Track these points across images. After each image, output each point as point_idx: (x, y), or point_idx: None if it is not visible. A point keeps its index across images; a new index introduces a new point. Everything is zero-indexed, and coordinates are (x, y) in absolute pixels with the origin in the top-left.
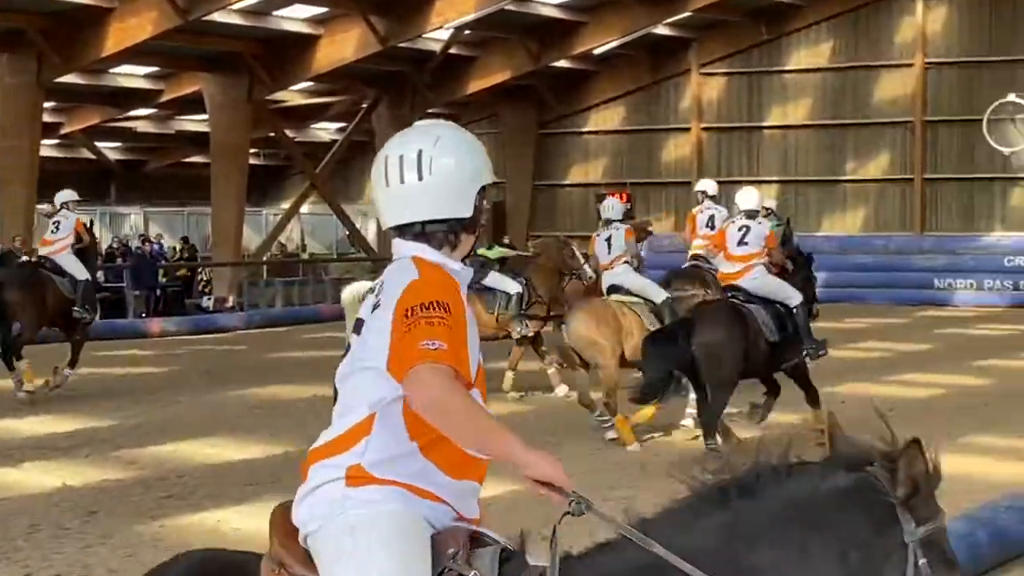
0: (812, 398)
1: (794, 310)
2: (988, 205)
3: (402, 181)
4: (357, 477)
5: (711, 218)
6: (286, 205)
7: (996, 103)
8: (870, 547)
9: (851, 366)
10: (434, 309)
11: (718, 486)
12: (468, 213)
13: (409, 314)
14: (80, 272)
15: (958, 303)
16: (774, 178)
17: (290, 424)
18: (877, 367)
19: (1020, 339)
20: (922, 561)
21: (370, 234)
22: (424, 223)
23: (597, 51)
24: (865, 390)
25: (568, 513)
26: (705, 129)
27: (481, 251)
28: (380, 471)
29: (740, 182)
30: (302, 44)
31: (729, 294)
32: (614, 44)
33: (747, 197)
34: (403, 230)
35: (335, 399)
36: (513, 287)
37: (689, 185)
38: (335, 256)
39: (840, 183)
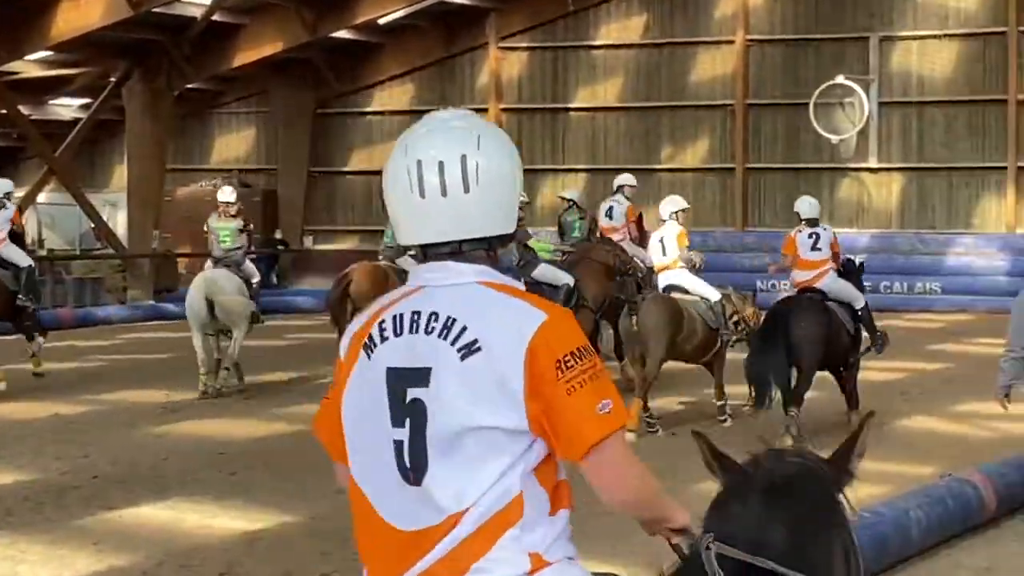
0: (854, 398)
1: (859, 311)
2: (815, 198)
3: (444, 193)
4: (535, 569)
5: (610, 208)
6: (20, 193)
7: (823, 85)
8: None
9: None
10: (587, 357)
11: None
12: (513, 227)
13: (563, 368)
14: (23, 259)
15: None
16: (581, 166)
17: (25, 449)
18: (690, 378)
19: None
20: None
21: (119, 227)
22: (463, 241)
23: (382, 21)
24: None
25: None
26: (504, 110)
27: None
28: (551, 552)
29: (544, 170)
30: (39, 7)
31: (808, 295)
32: (401, 13)
33: (809, 206)
34: (431, 248)
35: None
36: (565, 278)
37: None
38: (78, 252)
39: (654, 172)
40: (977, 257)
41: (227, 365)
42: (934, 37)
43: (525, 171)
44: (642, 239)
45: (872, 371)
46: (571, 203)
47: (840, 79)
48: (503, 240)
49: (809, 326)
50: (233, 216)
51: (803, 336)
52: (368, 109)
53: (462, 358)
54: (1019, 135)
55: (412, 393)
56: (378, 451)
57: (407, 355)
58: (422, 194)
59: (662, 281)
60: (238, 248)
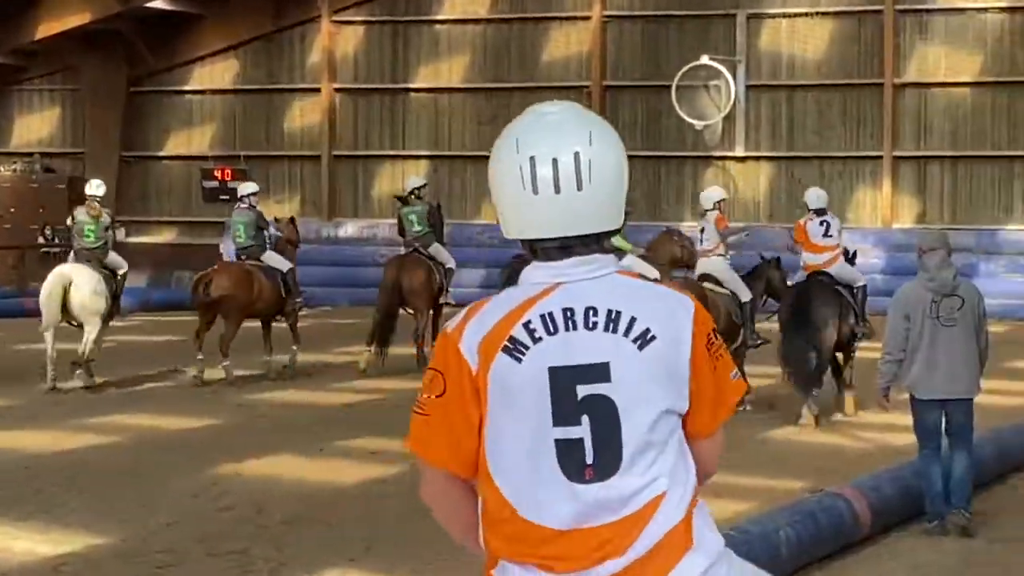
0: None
1: (855, 291)
2: (677, 188)
3: (558, 190)
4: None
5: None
6: None
7: (686, 67)
8: None
9: None
10: (719, 334)
11: None
12: (621, 222)
13: (711, 346)
14: None
15: None
16: (423, 152)
17: None
18: None
19: None
20: None
21: None
22: (578, 237)
23: None
24: None
25: None
26: (338, 90)
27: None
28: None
29: (382, 156)
30: None
31: (819, 279)
32: None
33: (816, 197)
34: (540, 243)
35: None
36: (652, 273)
37: (319, 159)
38: None
39: None
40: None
41: (80, 361)
42: (805, 15)
43: (360, 157)
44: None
45: None
46: (416, 193)
47: (705, 60)
48: (610, 235)
49: (827, 309)
50: (97, 213)
51: (823, 319)
52: (187, 88)
53: (640, 348)
54: (896, 122)
55: (587, 390)
56: (538, 457)
57: (571, 353)
58: (535, 190)
59: (700, 268)
60: (102, 244)
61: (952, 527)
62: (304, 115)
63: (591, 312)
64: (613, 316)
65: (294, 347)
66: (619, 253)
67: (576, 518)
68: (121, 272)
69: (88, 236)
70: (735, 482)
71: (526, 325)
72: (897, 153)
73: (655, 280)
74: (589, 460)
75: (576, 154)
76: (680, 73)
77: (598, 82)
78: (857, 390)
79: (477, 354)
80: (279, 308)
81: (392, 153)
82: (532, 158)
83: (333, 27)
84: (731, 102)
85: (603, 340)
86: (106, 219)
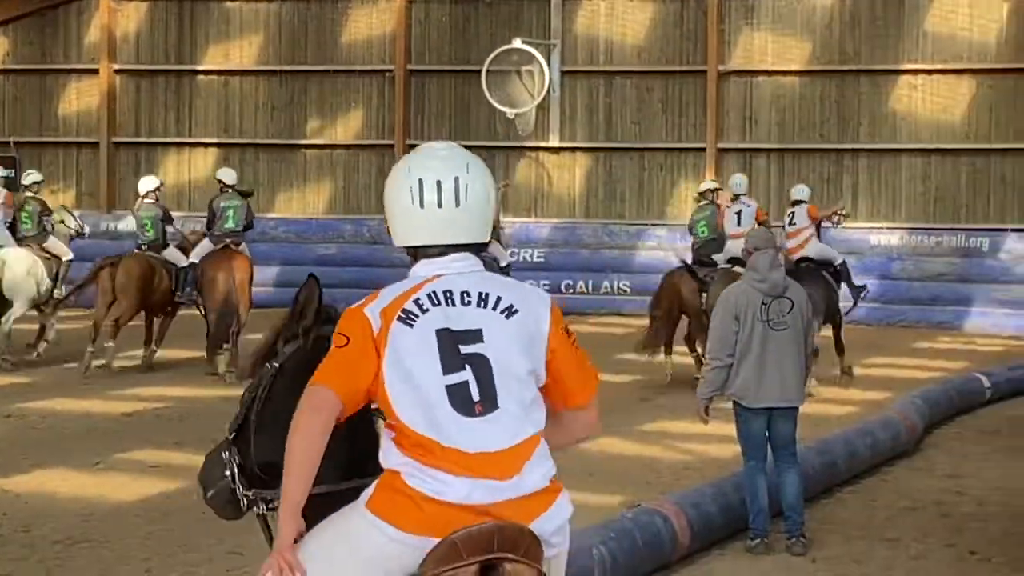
0: (841, 345)
1: (838, 267)
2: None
3: (440, 205)
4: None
5: (739, 214)
6: None
7: (498, 51)
8: None
9: None
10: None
11: None
12: (487, 239)
13: (567, 331)
14: None
15: None
16: (212, 140)
17: None
18: None
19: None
20: None
21: None
22: (454, 245)
23: None
24: None
25: None
26: (119, 71)
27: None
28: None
29: (166, 144)
30: None
31: (803, 264)
32: None
33: (799, 191)
34: (423, 249)
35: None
36: (505, 257)
37: (97, 146)
38: None
39: (299, 148)
40: (672, 252)
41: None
42: None
43: (142, 144)
44: None
45: None
46: (225, 186)
47: (517, 43)
48: (480, 248)
49: (816, 292)
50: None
51: (814, 302)
52: None
53: (506, 317)
54: (719, 113)
55: (467, 348)
56: (427, 394)
57: (451, 320)
58: (422, 205)
59: (731, 249)
60: (40, 231)
61: (791, 553)
62: (81, 98)
63: (465, 294)
64: (483, 296)
65: (154, 347)
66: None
67: (475, 443)
68: (65, 259)
69: (26, 223)
70: (584, 500)
71: (415, 301)
72: (721, 145)
73: (508, 264)
74: (476, 398)
75: (456, 179)
76: (491, 57)
77: (402, 66)
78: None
79: (379, 318)
80: (170, 303)
81: (178, 140)
82: (420, 180)
83: (113, 3)
84: (545, 89)
85: (476, 313)
86: (36, 207)
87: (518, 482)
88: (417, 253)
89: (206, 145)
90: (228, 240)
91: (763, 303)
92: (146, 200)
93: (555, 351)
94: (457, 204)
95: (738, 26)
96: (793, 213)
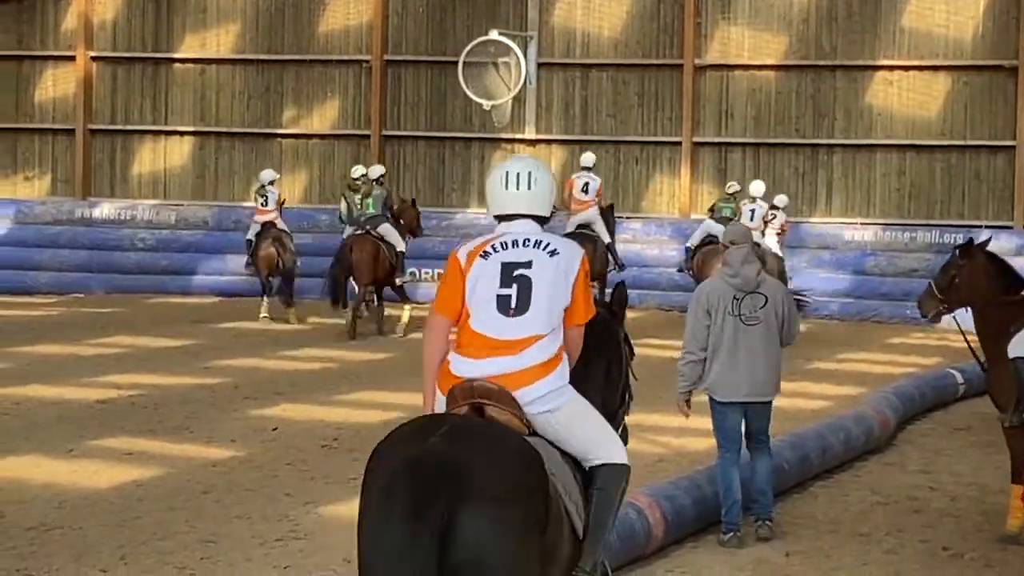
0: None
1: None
2: (463, 173)
3: (530, 187)
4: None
5: (586, 184)
6: None
7: (474, 42)
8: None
9: (288, 380)
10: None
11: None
12: (548, 214)
13: (586, 276)
14: None
15: (422, 299)
16: (188, 128)
17: None
18: (319, 383)
19: None
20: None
21: None
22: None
23: None
24: (306, 414)
25: None
26: (96, 59)
27: None
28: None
29: (143, 132)
30: None
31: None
32: None
33: (756, 187)
34: (520, 219)
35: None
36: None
37: (72, 133)
38: None
39: (275, 137)
40: (647, 246)
41: None
42: None
43: (118, 131)
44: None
45: None
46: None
47: (494, 35)
48: (542, 221)
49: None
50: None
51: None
52: None
53: (550, 256)
54: (695, 106)
55: (518, 272)
56: (487, 301)
57: (513, 256)
58: (506, 188)
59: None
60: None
61: (757, 537)
62: (57, 85)
63: (525, 240)
64: (536, 241)
65: (406, 307)
66: None
67: (497, 332)
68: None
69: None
70: None
71: (492, 245)
72: (697, 139)
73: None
74: (512, 306)
75: (529, 172)
76: (467, 49)
77: (379, 56)
78: None
79: (466, 257)
80: (389, 281)
81: (154, 128)
82: (507, 172)
83: None
84: (521, 81)
85: (529, 251)
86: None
87: (517, 360)
88: (500, 219)
89: (182, 133)
90: (368, 226)
91: (735, 298)
92: (377, 184)
93: (576, 287)
94: (529, 187)
95: (715, 20)
96: (753, 210)
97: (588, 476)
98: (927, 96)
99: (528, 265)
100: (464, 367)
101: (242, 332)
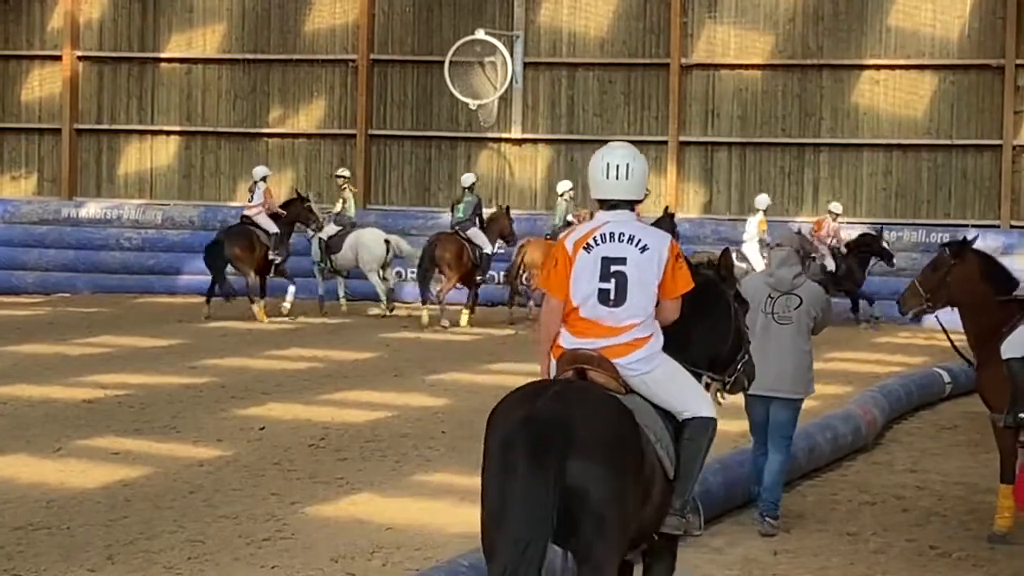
0: None
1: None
2: (449, 173)
3: (617, 178)
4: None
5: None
6: None
7: (460, 41)
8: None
9: (275, 379)
10: (682, 255)
11: None
12: (641, 198)
13: (678, 258)
14: None
15: (409, 297)
16: (174, 128)
17: None
18: (306, 382)
19: (486, 346)
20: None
21: None
22: (623, 201)
23: None
24: (292, 413)
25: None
26: (82, 58)
27: None
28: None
29: (129, 131)
30: None
31: None
32: None
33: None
34: (619, 204)
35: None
36: (487, 245)
37: (59, 132)
38: None
39: (261, 137)
40: None
41: None
42: None
43: (104, 131)
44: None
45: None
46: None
47: (480, 34)
48: (635, 203)
49: None
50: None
51: None
52: None
53: (641, 252)
54: (682, 105)
55: (615, 268)
56: (590, 292)
57: (610, 251)
58: (606, 176)
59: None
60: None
61: (760, 533)
62: (43, 84)
63: (621, 235)
64: (630, 237)
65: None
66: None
67: (601, 318)
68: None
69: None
70: None
71: (593, 238)
72: (683, 138)
73: (490, 250)
74: (612, 298)
75: (627, 164)
76: (453, 48)
77: (365, 55)
78: None
79: (572, 246)
80: (470, 279)
81: (140, 128)
82: (608, 162)
83: None
84: (508, 80)
85: (624, 247)
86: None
87: (617, 339)
88: (601, 204)
89: (168, 133)
90: (457, 228)
91: (769, 296)
92: (469, 192)
93: (667, 270)
94: (627, 177)
95: (701, 19)
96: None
97: (680, 427)
98: (913, 95)
99: (623, 262)
100: (573, 343)
101: (229, 331)
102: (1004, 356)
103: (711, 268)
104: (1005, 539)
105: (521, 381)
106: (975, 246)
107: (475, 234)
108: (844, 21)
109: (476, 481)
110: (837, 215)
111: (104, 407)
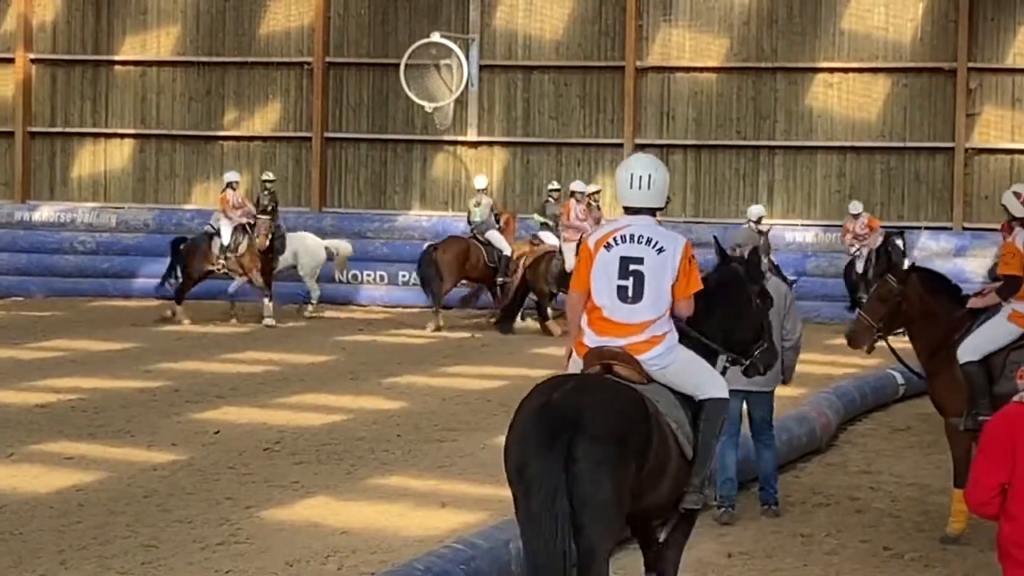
0: None
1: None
2: (404, 175)
3: (640, 188)
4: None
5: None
6: None
7: (416, 44)
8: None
9: (230, 383)
10: (693, 256)
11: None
12: (663, 205)
13: (691, 260)
14: None
15: (365, 300)
16: (128, 130)
17: None
18: (261, 386)
19: (442, 348)
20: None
21: None
22: (646, 208)
23: None
24: (247, 417)
25: None
26: (35, 61)
27: None
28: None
29: (83, 134)
30: None
31: None
32: None
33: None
34: (642, 210)
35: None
36: (506, 247)
37: (12, 135)
38: None
39: (216, 140)
40: None
41: None
42: None
43: (58, 134)
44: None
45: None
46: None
47: (435, 37)
48: (656, 211)
49: None
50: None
51: None
52: None
53: (657, 253)
54: (636, 108)
55: (633, 267)
56: (609, 289)
57: (628, 251)
58: (631, 187)
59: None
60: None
61: (764, 515)
62: None
63: (640, 237)
64: (648, 239)
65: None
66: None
67: (621, 317)
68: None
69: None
70: (464, 492)
71: (614, 238)
72: (639, 140)
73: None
74: (630, 295)
75: (649, 175)
76: (409, 51)
77: (320, 58)
78: None
79: (595, 244)
80: (489, 280)
81: (94, 131)
82: (631, 173)
83: None
84: (463, 83)
85: (641, 248)
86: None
87: (636, 336)
88: (626, 210)
89: (122, 136)
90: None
91: None
92: (484, 194)
93: (681, 270)
94: (649, 187)
95: (656, 22)
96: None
97: (697, 408)
98: (867, 98)
99: (640, 261)
100: (597, 342)
101: (183, 335)
102: (961, 360)
103: (742, 264)
104: (957, 540)
105: (479, 384)
106: (917, 264)
107: (494, 236)
108: (798, 24)
109: (431, 484)
110: (857, 215)
111: (57, 411)
